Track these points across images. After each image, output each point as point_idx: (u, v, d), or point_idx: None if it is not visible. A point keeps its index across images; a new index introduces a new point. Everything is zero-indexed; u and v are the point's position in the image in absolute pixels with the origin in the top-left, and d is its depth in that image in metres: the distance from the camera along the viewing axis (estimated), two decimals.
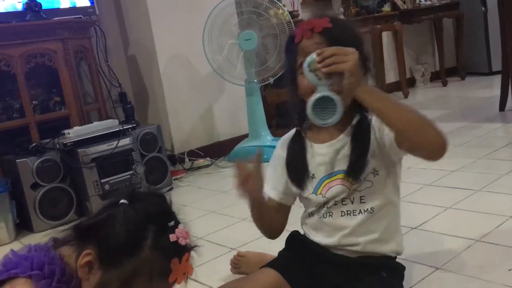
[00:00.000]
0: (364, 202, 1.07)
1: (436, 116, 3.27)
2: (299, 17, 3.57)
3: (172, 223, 0.82)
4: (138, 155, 2.37)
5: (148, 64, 2.98)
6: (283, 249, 1.23)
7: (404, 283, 1.14)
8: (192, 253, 0.85)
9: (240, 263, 1.38)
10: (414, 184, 1.92)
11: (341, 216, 1.08)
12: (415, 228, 1.53)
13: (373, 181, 1.06)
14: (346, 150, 1.06)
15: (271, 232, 1.20)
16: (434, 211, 1.64)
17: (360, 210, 1.07)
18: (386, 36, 4.37)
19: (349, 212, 1.08)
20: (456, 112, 3.40)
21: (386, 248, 1.09)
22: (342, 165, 1.06)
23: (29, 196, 2.12)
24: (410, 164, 2.15)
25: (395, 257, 1.13)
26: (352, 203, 1.07)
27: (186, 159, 2.92)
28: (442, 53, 4.54)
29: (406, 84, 4.29)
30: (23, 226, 2.20)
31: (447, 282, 1.20)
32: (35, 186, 2.13)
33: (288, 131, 1.20)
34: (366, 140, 1.04)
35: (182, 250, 0.81)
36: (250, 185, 1.06)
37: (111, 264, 0.78)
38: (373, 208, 1.07)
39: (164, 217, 0.82)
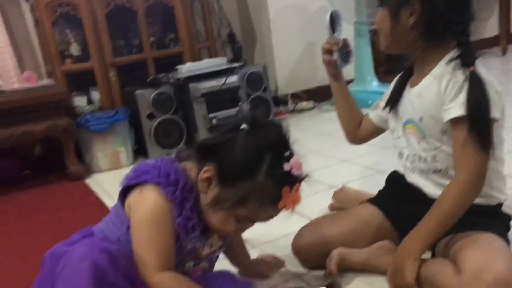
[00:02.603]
0: (438, 161, 1.02)
1: None
2: None
3: (287, 153, 0.84)
4: (244, 93, 2.45)
5: (257, 4, 3.00)
6: (384, 187, 1.22)
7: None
8: (302, 183, 0.87)
9: (339, 197, 1.41)
10: None
11: (420, 174, 1.07)
12: None
13: (442, 141, 1.00)
14: (421, 99, 1.02)
15: (351, 135, 1.25)
16: None
17: (434, 170, 1.03)
18: None
19: (424, 170, 1.05)
20: None
21: (480, 201, 1.01)
22: (414, 114, 1.04)
23: (145, 125, 2.31)
24: None
25: (499, 205, 1.05)
26: (425, 161, 1.04)
27: (289, 101, 2.96)
28: None
29: None
30: (140, 152, 2.42)
31: None
32: (151, 117, 2.31)
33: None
34: (431, 96, 0.98)
35: (294, 180, 0.84)
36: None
37: (228, 184, 0.84)
38: (447, 168, 1.01)
39: (281, 146, 0.85)
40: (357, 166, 1.84)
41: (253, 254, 1.22)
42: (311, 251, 1.12)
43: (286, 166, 0.82)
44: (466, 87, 0.91)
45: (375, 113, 1.21)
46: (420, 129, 1.03)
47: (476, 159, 0.91)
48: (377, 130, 1.23)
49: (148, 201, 0.85)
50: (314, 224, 1.18)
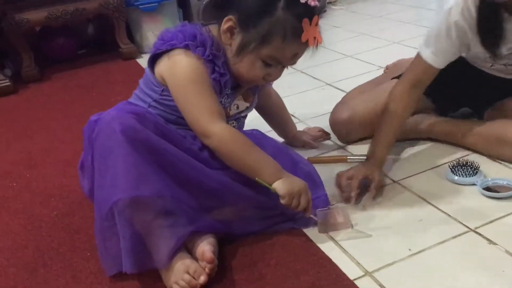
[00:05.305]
0: None
1: None
2: None
3: None
4: None
5: None
6: None
7: None
8: (321, 23, 0.89)
9: (388, 70, 1.41)
10: None
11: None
12: None
13: None
14: None
15: None
16: None
17: None
18: None
19: None
20: None
21: None
22: None
23: (194, 5, 2.30)
24: None
25: None
26: None
27: None
28: None
29: None
30: None
31: None
32: None
33: None
34: None
35: (312, 11, 0.86)
36: None
37: (249, 26, 0.85)
38: None
39: None
40: (407, 47, 1.79)
41: (300, 127, 1.27)
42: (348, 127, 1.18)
43: None
44: None
45: (442, 63, 1.02)
46: None
47: None
48: None
49: (181, 63, 0.88)
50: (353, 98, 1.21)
